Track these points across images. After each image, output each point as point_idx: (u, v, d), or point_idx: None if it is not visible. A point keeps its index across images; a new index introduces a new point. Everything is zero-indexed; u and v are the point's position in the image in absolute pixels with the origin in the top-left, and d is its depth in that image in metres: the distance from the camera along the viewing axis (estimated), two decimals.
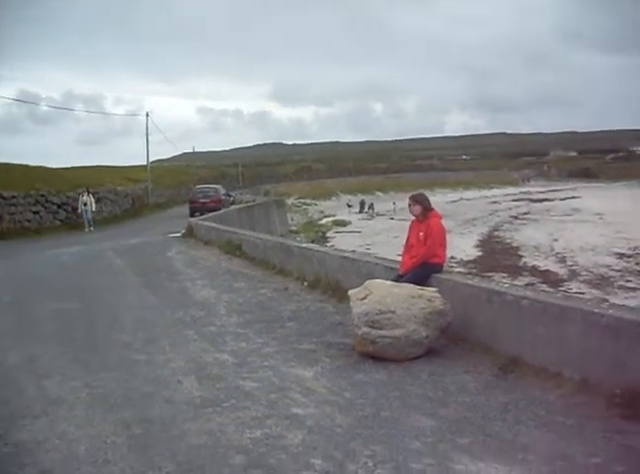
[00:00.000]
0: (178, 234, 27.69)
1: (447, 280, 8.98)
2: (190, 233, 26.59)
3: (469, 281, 8.71)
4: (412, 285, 8.47)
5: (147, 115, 60.91)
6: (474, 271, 37.83)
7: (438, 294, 8.19)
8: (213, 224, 24.77)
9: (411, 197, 9.91)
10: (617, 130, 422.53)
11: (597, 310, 6.45)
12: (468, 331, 8.24)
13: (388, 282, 8.68)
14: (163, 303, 12.61)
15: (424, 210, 9.65)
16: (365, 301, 7.95)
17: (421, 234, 9.52)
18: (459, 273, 34.38)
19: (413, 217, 9.90)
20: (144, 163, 61.64)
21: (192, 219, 28.90)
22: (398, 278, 9.34)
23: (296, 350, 8.66)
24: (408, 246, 9.82)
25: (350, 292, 8.47)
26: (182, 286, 14.56)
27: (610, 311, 6.34)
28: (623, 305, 6.74)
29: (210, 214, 32.53)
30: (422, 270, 9.30)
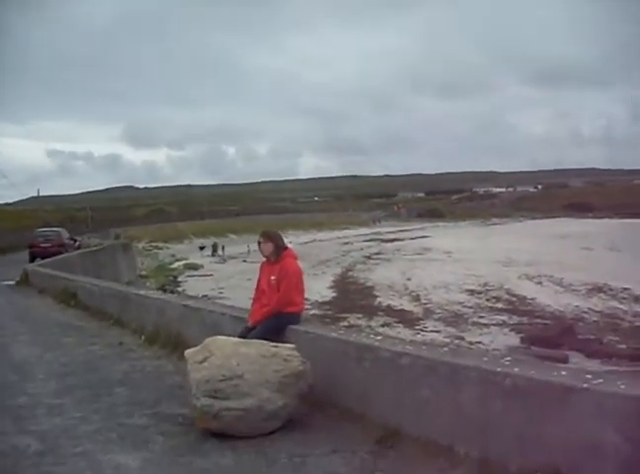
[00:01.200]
0: (12, 282, 25.65)
1: (307, 333, 7.47)
2: (24, 281, 24.67)
3: (333, 334, 7.22)
4: (263, 342, 6.95)
5: None
6: (330, 312, 37.39)
7: (295, 352, 6.71)
8: (49, 270, 22.70)
9: (262, 234, 8.31)
10: (461, 172, 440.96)
11: (499, 369, 5.12)
12: (335, 395, 6.83)
13: (233, 339, 7.10)
14: None
15: (276, 249, 8.12)
16: (205, 365, 6.36)
17: (272, 278, 7.99)
18: (324, 320, 34.14)
19: (263, 258, 8.41)
20: None
21: (28, 266, 26.59)
22: (247, 332, 7.85)
23: (123, 426, 6.97)
24: (258, 292, 8.29)
25: (186, 353, 6.84)
26: (0, 344, 12.59)
27: (516, 370, 5.02)
28: (530, 362, 5.38)
29: (49, 260, 30.28)
30: (275, 321, 7.81)
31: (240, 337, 7.81)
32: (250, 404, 6.23)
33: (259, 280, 8.32)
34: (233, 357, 6.39)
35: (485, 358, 5.35)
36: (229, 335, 8.81)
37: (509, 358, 5.30)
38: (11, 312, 17.30)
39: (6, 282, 25.93)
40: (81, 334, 13.15)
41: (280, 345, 6.87)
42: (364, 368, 6.40)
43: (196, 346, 9.93)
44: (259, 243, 8.27)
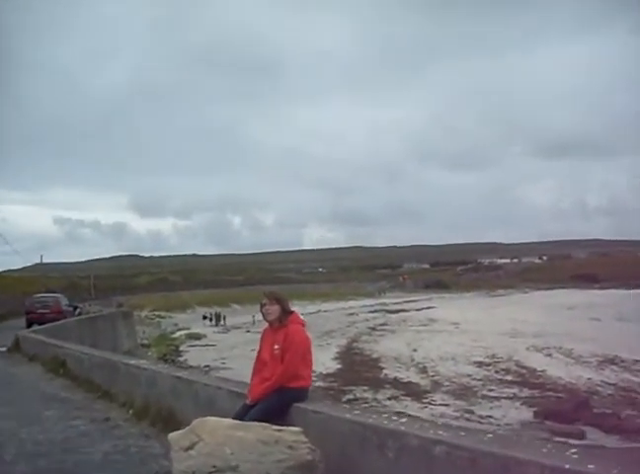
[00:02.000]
0: (4, 348, 24.52)
1: (316, 413, 6.22)
2: (16, 347, 23.55)
3: (348, 415, 5.87)
4: (264, 425, 5.78)
5: None
6: (335, 384, 36.51)
7: (302, 437, 5.53)
8: (40, 337, 21.59)
9: (267, 295, 7.03)
10: (466, 243, 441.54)
11: (567, 465, 3.82)
12: None
13: (227, 421, 5.85)
14: None
15: (282, 313, 6.92)
16: (192, 453, 5.19)
17: (276, 347, 6.77)
18: (328, 393, 33.02)
19: (266, 324, 7.16)
20: None
21: (20, 332, 25.48)
22: (245, 411, 6.66)
23: None
24: (259, 364, 7.05)
25: (170, 437, 5.65)
26: None
27: (591, 467, 3.75)
28: (605, 455, 4.20)
29: (44, 326, 29.17)
30: (278, 398, 6.60)
31: (237, 417, 6.64)
32: None
33: (259, 350, 7.10)
34: (226, 444, 5.21)
35: (544, 450, 4.14)
36: (225, 413, 7.67)
37: (574, 451, 4.10)
38: None
39: None
40: (65, 406, 11.96)
41: (283, 428, 5.67)
42: (388, 459, 5.17)
43: (188, 424, 8.85)
44: (262, 305, 7.03)
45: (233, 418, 6.68)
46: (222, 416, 7.76)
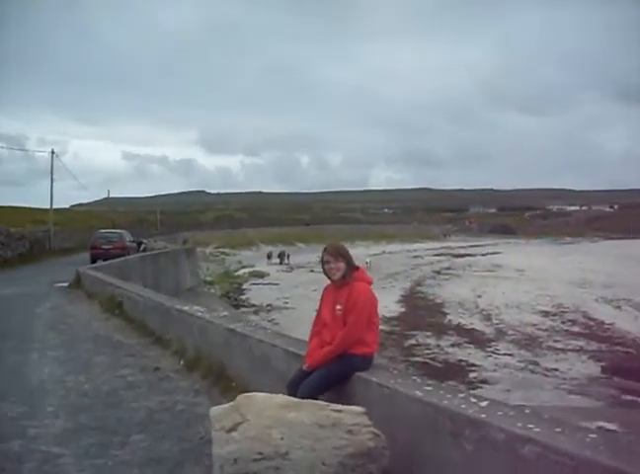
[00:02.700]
0: (65, 284, 24.52)
1: (381, 387, 5.37)
2: (77, 283, 23.38)
3: (418, 393, 4.97)
4: (319, 404, 4.96)
5: (52, 152, 56.69)
6: (397, 329, 35.96)
7: (365, 419, 4.73)
8: (99, 274, 21.26)
9: (330, 251, 6.20)
10: (534, 189, 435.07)
11: None
12: None
13: (277, 398, 4.97)
14: None
15: (348, 270, 6.09)
16: (235, 436, 4.41)
17: (338, 307, 5.98)
18: (391, 337, 32.57)
19: (326, 282, 6.36)
20: (61, 206, 57.59)
21: (81, 268, 25.29)
22: (301, 378, 5.93)
23: None
24: (318, 325, 6.28)
25: (212, 413, 4.84)
26: (23, 360, 10.97)
27: None
28: None
29: (106, 263, 29.02)
30: (339, 366, 5.83)
31: (291, 384, 5.93)
32: None
33: (319, 309, 6.31)
34: (275, 427, 4.45)
35: None
36: (279, 374, 6.98)
37: None
38: (50, 320, 15.83)
39: (61, 284, 24.99)
40: (116, 352, 11.48)
41: (343, 408, 4.85)
42: (464, 450, 4.37)
43: (240, 381, 8.18)
44: (326, 261, 6.19)
45: (287, 385, 6.01)
46: (276, 377, 7.11)
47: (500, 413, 4.36)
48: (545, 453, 3.74)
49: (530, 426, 4.04)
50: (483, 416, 4.32)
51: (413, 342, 33.09)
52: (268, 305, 45.53)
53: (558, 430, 3.95)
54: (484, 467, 4.22)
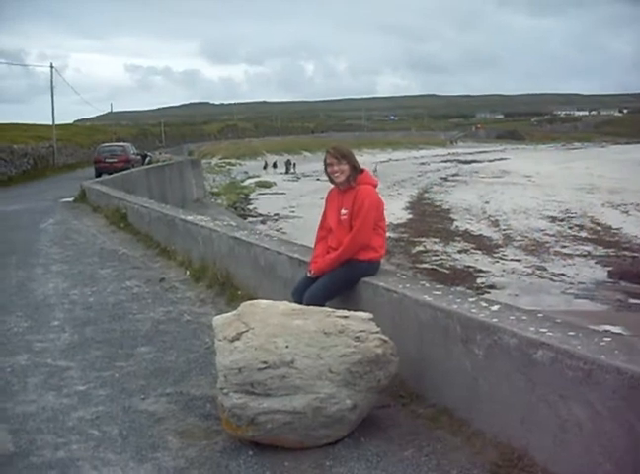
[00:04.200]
0: (70, 199, 24.49)
1: (389, 292, 5.24)
2: (81, 198, 23.29)
3: (427, 298, 4.84)
4: (325, 310, 4.81)
5: (52, 66, 55.78)
6: (405, 235, 35.99)
7: (373, 325, 4.59)
8: (104, 188, 21.11)
9: (333, 153, 5.88)
10: (542, 94, 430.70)
11: None
12: (428, 388, 4.80)
13: (281, 305, 4.81)
14: None
15: (352, 172, 5.82)
16: (239, 345, 4.28)
17: (343, 212, 5.78)
18: (399, 244, 32.55)
19: (331, 185, 6.10)
20: (65, 122, 56.88)
21: (85, 183, 25.13)
22: (306, 285, 5.79)
23: (128, 413, 5.06)
24: (323, 230, 6.11)
25: (215, 321, 4.70)
26: (27, 275, 10.87)
27: None
28: None
29: (110, 176, 28.85)
30: (345, 271, 5.68)
31: (297, 291, 5.79)
32: (303, 404, 4.19)
33: (324, 214, 6.11)
34: (280, 335, 4.31)
35: None
36: (285, 282, 6.87)
37: None
38: (56, 234, 15.72)
39: (65, 199, 24.87)
40: (121, 264, 11.39)
41: (349, 313, 4.69)
42: (474, 356, 4.26)
43: (246, 289, 8.08)
44: (328, 164, 5.92)
45: (293, 292, 5.88)
46: (282, 284, 7.01)
47: (512, 317, 4.22)
48: (559, 358, 3.60)
49: (543, 330, 3.90)
50: (495, 320, 4.18)
51: (420, 248, 33.12)
52: (275, 214, 45.52)
53: (571, 333, 3.81)
54: (496, 373, 4.10)
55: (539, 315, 4.31)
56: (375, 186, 5.92)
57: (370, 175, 6.00)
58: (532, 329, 3.94)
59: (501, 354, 4.04)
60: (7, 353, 6.75)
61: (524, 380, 3.85)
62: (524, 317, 4.22)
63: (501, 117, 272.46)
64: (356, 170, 5.84)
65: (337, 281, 5.69)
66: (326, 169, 5.93)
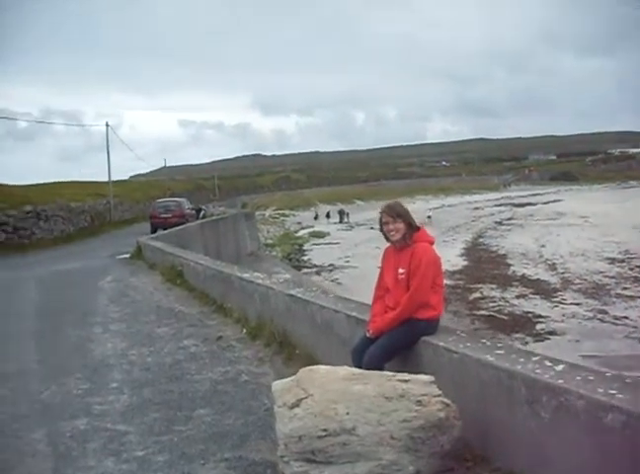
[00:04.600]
0: (127, 255, 24.73)
1: (449, 352, 5.13)
2: (138, 254, 23.51)
3: (490, 358, 4.72)
4: (386, 374, 4.73)
5: (107, 125, 56.98)
6: (461, 282, 35.68)
7: (434, 388, 4.50)
8: (159, 244, 21.31)
9: (388, 211, 5.87)
10: (595, 133, 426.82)
11: None
12: (493, 450, 4.63)
13: (341, 370, 4.71)
14: (41, 366, 9.04)
15: (409, 230, 5.79)
16: (298, 412, 4.22)
17: (401, 271, 5.71)
18: (455, 291, 32.26)
19: (388, 243, 6.02)
20: (121, 178, 57.98)
21: (141, 239, 25.43)
22: (365, 346, 5.68)
23: None
24: (381, 289, 6.01)
25: (274, 387, 4.66)
26: (86, 334, 10.98)
27: None
28: None
29: (166, 232, 29.18)
30: (404, 331, 5.58)
31: (356, 351, 5.71)
32: (365, 471, 4.08)
33: (381, 274, 6.04)
34: (340, 401, 4.23)
35: None
36: (343, 340, 6.80)
37: None
38: (112, 293, 15.85)
39: (122, 256, 25.18)
40: (178, 322, 11.42)
41: (410, 377, 4.60)
42: (540, 419, 4.11)
43: (303, 348, 8.00)
44: (384, 224, 5.88)
45: (352, 352, 5.80)
46: (340, 343, 6.92)
47: (578, 377, 4.08)
48: (631, 422, 3.46)
49: (613, 391, 3.76)
50: (560, 381, 4.04)
51: (477, 295, 32.76)
52: (330, 265, 45.50)
53: None
54: (564, 436, 3.96)
55: (607, 374, 4.16)
56: (432, 243, 5.86)
57: (427, 232, 5.94)
58: (601, 390, 3.80)
59: (568, 417, 3.90)
60: (67, 416, 6.76)
61: (595, 445, 3.71)
62: (592, 377, 4.08)
63: (553, 158, 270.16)
64: (412, 228, 5.79)
65: (396, 342, 5.60)
66: (382, 228, 5.89)
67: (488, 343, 5.18)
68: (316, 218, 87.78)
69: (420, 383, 4.45)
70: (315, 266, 46.00)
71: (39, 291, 17.09)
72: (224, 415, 6.45)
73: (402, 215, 5.80)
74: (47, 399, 7.42)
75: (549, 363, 4.43)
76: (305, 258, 51.66)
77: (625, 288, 33.15)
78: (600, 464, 3.69)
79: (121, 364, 8.79)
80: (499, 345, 5.11)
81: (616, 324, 25.74)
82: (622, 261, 41.78)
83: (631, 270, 38.46)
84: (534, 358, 4.59)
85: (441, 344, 5.28)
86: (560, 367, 4.34)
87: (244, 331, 9.90)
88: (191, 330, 10.71)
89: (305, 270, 43.81)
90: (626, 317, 26.77)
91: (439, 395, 4.40)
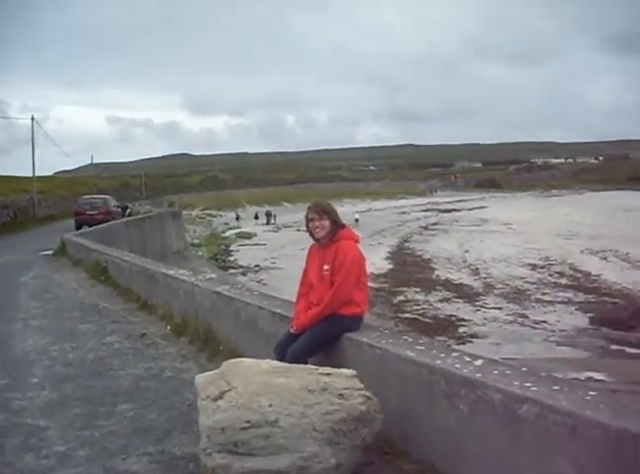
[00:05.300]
0: (50, 252, 24.31)
1: (372, 348, 5.21)
2: (61, 251, 23.11)
3: (410, 353, 4.81)
4: (308, 368, 4.80)
5: (32, 118, 55.81)
6: (386, 285, 36.06)
7: (356, 382, 4.55)
8: (84, 241, 21.01)
9: (314, 209, 5.95)
10: (519, 142, 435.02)
11: None
12: (413, 444, 4.73)
13: (264, 363, 4.76)
14: None
15: (334, 228, 5.86)
16: (221, 404, 4.24)
17: (325, 267, 5.76)
18: (380, 294, 32.44)
19: (312, 241, 6.11)
20: (45, 174, 56.81)
21: (65, 235, 25.02)
22: (288, 341, 5.74)
23: None
24: (305, 286, 6.08)
25: (197, 380, 4.68)
26: (7, 330, 10.75)
27: None
28: None
29: (91, 229, 28.79)
30: (327, 327, 5.64)
31: (279, 347, 5.75)
32: (287, 463, 4.13)
33: (305, 270, 6.11)
34: (264, 394, 4.27)
35: None
36: (266, 336, 6.84)
37: None
38: (35, 289, 15.59)
39: (45, 252, 24.75)
40: (102, 319, 11.27)
41: (333, 371, 4.66)
42: (459, 412, 4.22)
43: (227, 344, 8.02)
44: (309, 220, 5.93)
45: (275, 348, 5.84)
46: (264, 339, 6.96)
47: (496, 372, 4.20)
48: (544, 413, 3.59)
49: (528, 384, 3.88)
50: (479, 375, 4.16)
51: (402, 298, 33.17)
52: (256, 266, 45.48)
53: (556, 388, 3.80)
54: (481, 428, 4.07)
55: (523, 369, 4.30)
56: (357, 241, 5.94)
57: (352, 230, 6.02)
58: (517, 383, 3.93)
59: (486, 409, 4.02)
60: None
61: (510, 436, 3.83)
62: (508, 371, 4.21)
63: (479, 165, 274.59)
64: (337, 225, 5.86)
65: (319, 337, 5.66)
66: (307, 224, 5.95)
67: (410, 339, 5.28)
68: (237, 219, 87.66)
69: (342, 377, 4.51)
70: (241, 266, 45.94)
71: None
72: (147, 410, 6.41)
73: (328, 212, 5.87)
74: None
75: (468, 359, 4.55)
76: (231, 258, 51.52)
77: (545, 293, 34.04)
78: (516, 455, 3.81)
79: (42, 360, 8.63)
80: (420, 341, 5.21)
81: (535, 328, 26.38)
82: (543, 267, 42.82)
83: (551, 276, 39.47)
84: (454, 354, 4.71)
85: (365, 340, 5.35)
86: (479, 362, 4.46)
87: (168, 328, 9.84)
88: (114, 326, 10.59)
89: (231, 270, 43.70)
90: (545, 321, 27.45)
91: (360, 389, 4.47)
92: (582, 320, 27.63)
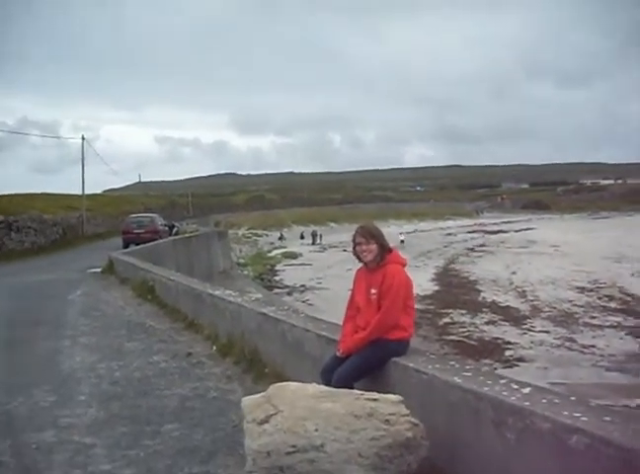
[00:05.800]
0: (99, 269, 24.58)
1: (418, 373, 5.15)
2: (109, 269, 23.37)
3: (458, 380, 4.74)
4: (355, 393, 4.76)
5: (83, 138, 56.83)
6: (432, 307, 35.84)
7: (403, 408, 4.52)
8: (131, 259, 21.24)
9: (362, 232, 5.89)
10: (567, 163, 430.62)
11: None
12: (458, 469, 4.66)
13: (311, 388, 4.74)
14: (8, 378, 9.00)
15: (381, 251, 5.82)
16: (267, 428, 4.25)
17: (373, 291, 5.73)
18: (426, 316, 32.27)
19: (360, 264, 6.06)
20: (94, 192, 57.75)
21: (113, 253, 25.33)
22: (335, 365, 5.72)
23: None
24: (352, 310, 6.04)
25: (244, 403, 4.67)
26: (55, 347, 10.94)
27: None
28: None
29: (138, 247, 29.10)
30: (373, 352, 5.60)
31: (325, 371, 5.74)
32: None
33: (352, 294, 6.08)
34: (310, 418, 4.27)
35: None
36: (313, 359, 6.82)
37: None
38: (83, 306, 15.81)
39: (93, 270, 25.09)
40: (149, 338, 11.37)
41: (379, 396, 4.63)
42: (506, 441, 4.15)
43: (273, 366, 8.02)
44: (357, 244, 5.91)
45: (321, 371, 5.82)
46: (310, 362, 6.94)
47: (544, 400, 4.14)
48: (595, 445, 3.52)
49: (577, 414, 3.82)
50: (527, 403, 4.10)
51: (447, 320, 32.93)
52: (301, 286, 45.55)
53: (607, 419, 3.73)
54: (529, 458, 4.00)
55: (572, 398, 4.23)
56: (404, 265, 5.92)
57: (399, 254, 6.00)
58: (566, 413, 3.86)
59: (534, 438, 3.95)
60: (34, 428, 6.71)
61: (559, 467, 3.76)
62: (557, 400, 4.14)
63: (526, 186, 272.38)
64: (384, 249, 5.84)
65: (366, 362, 5.63)
66: (354, 248, 5.95)
67: (457, 365, 5.23)
68: (281, 239, 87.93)
69: (388, 402, 4.49)
70: (287, 286, 46.05)
71: (8, 302, 17.04)
72: (192, 430, 6.44)
73: (375, 236, 5.85)
74: (14, 410, 7.37)
75: (516, 386, 4.49)
76: (277, 278, 51.70)
77: (593, 317, 33.46)
78: None
79: (89, 378, 8.73)
80: (467, 367, 5.16)
81: (584, 352, 25.94)
82: (591, 290, 42.16)
83: (599, 299, 38.83)
84: (501, 381, 4.65)
85: (411, 365, 5.31)
86: (526, 390, 4.39)
87: (214, 348, 9.89)
88: (161, 345, 10.69)
89: (277, 290, 43.83)
90: (593, 345, 26.98)
91: (407, 415, 4.44)
92: (632, 345, 27.12)
